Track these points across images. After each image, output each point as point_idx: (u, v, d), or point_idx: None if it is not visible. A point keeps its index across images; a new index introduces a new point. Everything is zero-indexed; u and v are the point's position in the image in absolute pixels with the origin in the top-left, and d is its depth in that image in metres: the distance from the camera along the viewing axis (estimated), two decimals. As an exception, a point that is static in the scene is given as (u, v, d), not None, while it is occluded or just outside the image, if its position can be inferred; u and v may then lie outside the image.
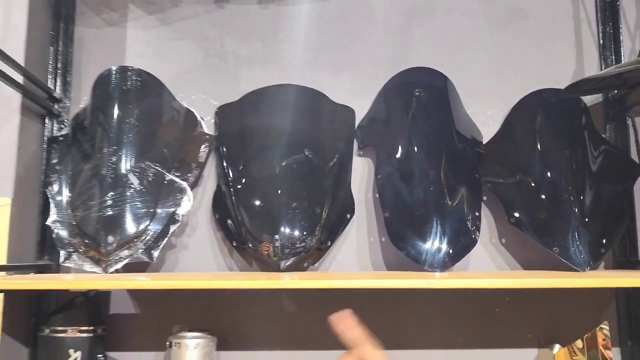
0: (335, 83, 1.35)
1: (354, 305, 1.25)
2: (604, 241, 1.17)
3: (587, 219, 1.17)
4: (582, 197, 1.20)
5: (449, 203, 1.18)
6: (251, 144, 1.26)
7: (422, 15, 1.38)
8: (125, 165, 1.17)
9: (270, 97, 1.31)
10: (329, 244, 1.20)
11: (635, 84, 1.28)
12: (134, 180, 1.17)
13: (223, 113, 1.31)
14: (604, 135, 1.31)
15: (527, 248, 1.26)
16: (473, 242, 1.16)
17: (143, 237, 1.14)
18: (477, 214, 1.19)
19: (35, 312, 1.19)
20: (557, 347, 1.22)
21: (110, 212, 1.13)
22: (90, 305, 1.17)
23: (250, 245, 1.16)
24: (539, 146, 1.26)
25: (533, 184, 1.22)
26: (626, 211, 1.24)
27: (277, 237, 1.14)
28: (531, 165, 1.25)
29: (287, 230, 1.15)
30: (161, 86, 1.28)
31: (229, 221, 1.22)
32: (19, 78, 1.12)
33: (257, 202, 1.19)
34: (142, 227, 1.14)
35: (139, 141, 1.21)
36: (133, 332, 1.25)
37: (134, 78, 1.25)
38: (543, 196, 1.21)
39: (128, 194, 1.15)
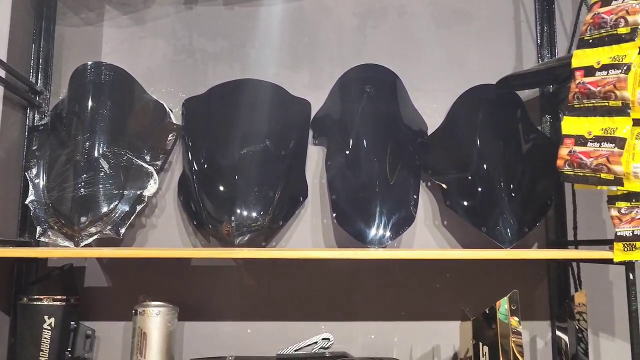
0: (294, 78, 1.47)
1: (307, 280, 1.39)
2: (528, 222, 1.29)
3: (514, 203, 1.29)
4: (511, 184, 1.31)
5: (390, 187, 1.29)
6: (215, 133, 1.38)
7: (376, 17, 1.50)
8: (97, 151, 1.30)
9: (234, 90, 1.43)
10: (281, 223, 1.32)
11: (565, 79, 1.40)
12: (104, 164, 1.29)
13: (190, 105, 1.44)
14: (539, 127, 1.43)
15: (466, 230, 1.37)
16: (410, 221, 1.27)
17: (112, 216, 1.26)
18: (415, 196, 1.31)
19: (16, 283, 1.32)
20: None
21: (82, 193, 1.25)
22: (65, 278, 1.30)
23: (210, 225, 1.28)
24: (477, 137, 1.38)
25: (469, 172, 1.34)
26: (552, 196, 1.35)
27: (233, 217, 1.26)
28: (468, 154, 1.36)
29: (243, 211, 1.27)
30: (132, 80, 1.40)
31: (192, 203, 1.34)
32: (1, 72, 1.24)
33: (217, 187, 1.31)
34: (111, 206, 1.26)
35: (111, 129, 1.33)
36: (105, 303, 1.37)
37: (108, 73, 1.37)
38: (476, 182, 1.32)
39: (99, 176, 1.28)
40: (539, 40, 1.47)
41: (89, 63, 1.38)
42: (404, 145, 1.36)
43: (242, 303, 1.39)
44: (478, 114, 1.41)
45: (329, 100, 1.44)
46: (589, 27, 1.08)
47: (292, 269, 1.40)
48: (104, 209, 1.26)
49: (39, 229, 1.27)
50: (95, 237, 1.25)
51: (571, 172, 1.08)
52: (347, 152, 1.34)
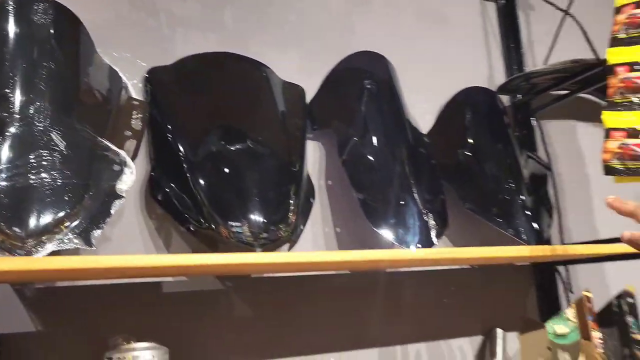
0: (281, 59, 1.22)
1: (309, 305, 1.13)
2: (543, 225, 1.26)
3: (526, 204, 1.26)
4: (518, 187, 1.28)
5: (416, 186, 1.14)
6: (199, 117, 1.06)
7: (366, 9, 1.36)
8: (44, 119, 0.86)
9: (215, 65, 1.13)
10: (302, 228, 1.06)
11: (541, 90, 1.45)
12: (58, 140, 0.86)
13: (156, 77, 1.08)
14: (516, 134, 1.44)
15: (476, 233, 1.28)
16: (445, 223, 1.14)
17: (77, 217, 0.84)
18: (442, 196, 1.18)
19: None
20: (499, 331, 1.26)
21: (30, 182, 0.81)
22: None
23: (215, 226, 0.95)
24: (469, 139, 1.33)
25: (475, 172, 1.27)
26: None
27: (252, 217, 0.96)
28: (466, 158, 1.30)
29: (261, 216, 0.98)
30: (83, 29, 1.00)
31: (176, 202, 0.98)
32: None
33: (224, 183, 0.99)
34: (73, 204, 0.84)
35: (60, 91, 0.91)
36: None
37: (50, 12, 0.95)
38: (484, 183, 1.26)
39: (50, 158, 0.85)
40: (504, 52, 1.51)
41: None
42: (416, 142, 1.23)
43: (234, 339, 1.05)
44: (467, 116, 1.36)
45: (324, 89, 1.24)
46: (624, 27, 1.12)
47: (288, 292, 1.12)
48: (67, 207, 0.83)
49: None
50: (53, 248, 0.81)
51: (621, 165, 1.08)
52: (362, 148, 1.15)
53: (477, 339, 1.28)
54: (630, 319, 1.10)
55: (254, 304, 1.09)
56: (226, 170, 1.01)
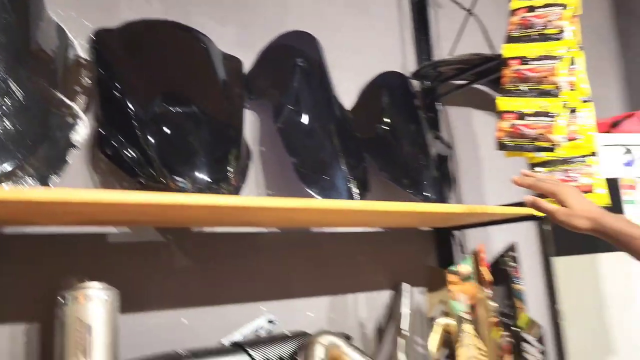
0: (220, 32, 1.30)
1: (240, 259, 1.23)
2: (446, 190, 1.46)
3: (432, 176, 1.45)
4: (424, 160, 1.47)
5: (342, 154, 1.28)
6: (145, 79, 1.11)
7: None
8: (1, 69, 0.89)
9: (161, 31, 1.19)
10: (241, 186, 1.15)
11: (446, 78, 1.65)
12: (17, 90, 0.89)
13: (102, 39, 1.12)
14: (425, 115, 1.63)
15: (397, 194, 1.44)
16: (366, 188, 1.29)
17: (36, 161, 0.88)
18: (364, 164, 1.33)
19: None
20: (406, 285, 1.44)
21: (-10, 126, 0.84)
22: None
23: (164, 180, 1.02)
24: (385, 117, 1.49)
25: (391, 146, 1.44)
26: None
27: (197, 175, 1.05)
28: (384, 133, 1.47)
29: (206, 173, 1.07)
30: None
31: (126, 157, 1.04)
32: None
33: (172, 142, 1.06)
34: (31, 150, 0.88)
35: (12, 42, 0.93)
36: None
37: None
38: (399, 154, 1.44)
39: (9, 105, 0.88)
40: (415, 42, 1.70)
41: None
42: (340, 118, 1.36)
43: (175, 288, 1.13)
44: (384, 98, 1.52)
45: (260, 62, 1.34)
46: (517, 27, 1.34)
47: (225, 246, 1.22)
48: (25, 153, 0.86)
49: None
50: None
51: (511, 142, 1.30)
52: (299, 116, 1.26)
53: (387, 292, 1.46)
54: (512, 271, 1.33)
55: (193, 256, 1.17)
56: (173, 130, 1.08)
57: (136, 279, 1.09)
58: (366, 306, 1.41)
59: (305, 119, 1.27)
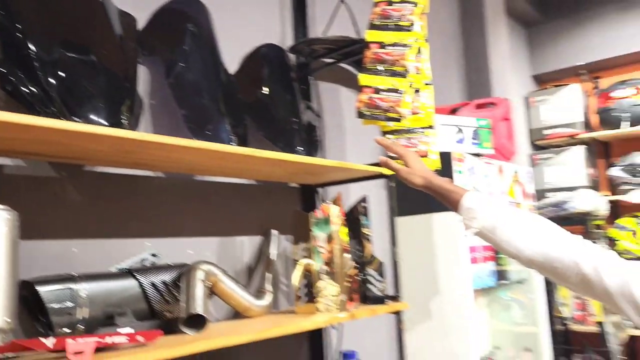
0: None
1: (132, 198, 1.36)
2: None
3: (303, 139, 1.68)
4: (295, 121, 1.69)
5: (226, 111, 1.46)
6: (47, 24, 1.19)
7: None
8: None
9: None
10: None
11: (318, 56, 1.88)
12: None
13: (2, -19, 1.17)
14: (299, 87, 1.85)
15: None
16: (245, 144, 1.48)
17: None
18: (244, 123, 1.52)
19: None
20: (274, 232, 1.66)
21: None
22: None
23: (65, 119, 1.12)
24: (264, 84, 1.69)
25: (268, 110, 1.64)
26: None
27: (94, 118, 1.16)
28: (263, 98, 1.66)
29: (103, 117, 1.18)
30: None
31: (27, 94, 1.12)
32: None
33: (71, 84, 1.16)
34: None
35: None
36: None
37: None
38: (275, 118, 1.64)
39: None
40: (293, 19, 1.91)
41: None
42: (225, 80, 1.53)
43: (65, 219, 1.23)
44: (264, 66, 1.72)
45: (153, 22, 1.45)
46: (379, 17, 1.60)
47: (114, 185, 1.34)
48: None
49: None
50: None
51: (368, 112, 1.56)
52: (189, 73, 1.41)
53: (258, 237, 1.67)
54: (362, 218, 1.61)
55: (85, 192, 1.28)
56: (73, 75, 1.17)
57: (30, 209, 1.17)
58: (239, 248, 1.61)
59: (194, 77, 1.42)
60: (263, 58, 1.73)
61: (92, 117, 1.18)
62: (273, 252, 1.62)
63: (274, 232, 1.66)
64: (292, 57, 1.86)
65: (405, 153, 1.34)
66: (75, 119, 1.15)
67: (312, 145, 1.77)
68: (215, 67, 1.52)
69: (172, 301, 1.26)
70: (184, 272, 1.27)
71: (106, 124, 1.19)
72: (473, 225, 1.17)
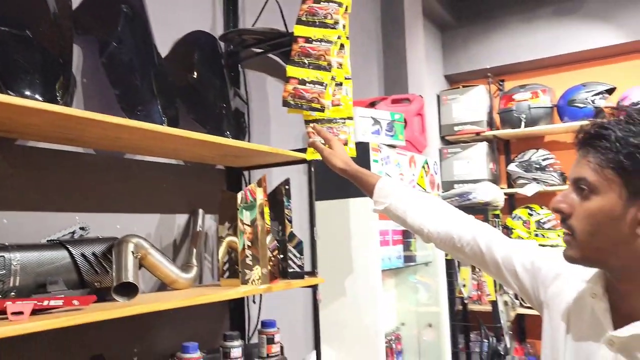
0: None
1: (62, 173, 1.40)
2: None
3: (231, 123, 1.77)
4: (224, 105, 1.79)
5: (157, 93, 1.52)
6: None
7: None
8: None
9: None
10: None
11: (247, 45, 1.98)
12: None
13: None
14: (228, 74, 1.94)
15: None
16: (177, 125, 1.55)
17: None
18: (176, 105, 1.59)
19: None
20: (200, 210, 1.75)
21: None
22: None
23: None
24: (195, 69, 1.77)
25: (199, 93, 1.73)
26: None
27: (27, 93, 1.20)
28: (193, 82, 1.74)
29: (37, 92, 1.22)
30: None
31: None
32: None
33: (7, 59, 1.19)
34: None
35: None
36: None
37: None
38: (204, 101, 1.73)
39: None
40: (225, 11, 1.99)
41: None
42: (157, 63, 1.60)
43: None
44: (195, 52, 1.79)
45: (87, 3, 1.49)
46: (306, 13, 1.73)
47: (46, 160, 1.38)
48: None
49: None
50: None
51: (293, 101, 1.69)
52: (123, 54, 1.46)
53: (184, 216, 1.75)
54: (285, 199, 1.73)
55: (16, 166, 1.31)
56: (8, 49, 1.20)
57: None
58: (166, 225, 1.69)
59: (127, 57, 1.48)
60: (194, 44, 1.81)
61: (27, 92, 1.22)
62: (199, 229, 1.71)
63: (200, 210, 1.75)
64: (222, 45, 1.94)
65: (332, 138, 1.48)
66: (11, 93, 1.19)
67: (240, 130, 1.87)
68: (148, 49, 1.57)
69: (102, 272, 1.33)
70: (115, 243, 1.34)
71: (41, 99, 1.23)
72: (385, 201, 1.33)
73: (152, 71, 1.55)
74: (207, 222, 1.81)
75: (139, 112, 1.45)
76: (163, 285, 1.56)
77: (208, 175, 1.86)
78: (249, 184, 1.92)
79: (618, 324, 0.92)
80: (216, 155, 1.70)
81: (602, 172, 0.90)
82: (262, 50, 2.04)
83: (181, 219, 1.74)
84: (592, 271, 1.00)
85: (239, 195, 1.59)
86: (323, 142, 1.49)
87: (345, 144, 1.78)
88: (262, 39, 1.95)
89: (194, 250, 1.63)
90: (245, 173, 1.96)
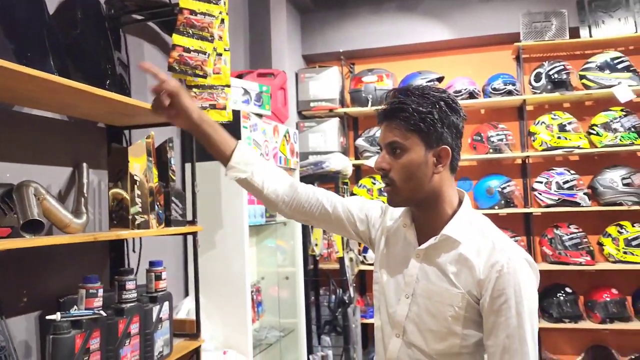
0: None
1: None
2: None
3: (115, 81, 1.90)
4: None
5: (50, 50, 1.61)
6: None
7: None
8: None
9: None
10: None
11: (128, 12, 2.09)
12: None
13: None
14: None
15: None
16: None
17: None
18: (65, 62, 1.68)
19: None
20: (84, 164, 1.86)
21: None
22: None
23: None
24: (79, 28, 1.86)
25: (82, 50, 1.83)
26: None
27: None
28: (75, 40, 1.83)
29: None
30: None
31: None
32: None
33: None
34: None
35: None
36: None
37: None
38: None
39: None
40: (107, -24, 2.07)
41: None
42: (48, 20, 1.67)
43: None
44: (77, 12, 1.88)
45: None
46: (193, -13, 1.91)
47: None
48: None
49: None
50: None
51: (177, 67, 1.87)
52: (13, 8, 1.53)
53: (69, 169, 1.85)
54: (169, 154, 1.92)
55: None
56: None
57: None
58: (53, 176, 1.78)
59: (22, 13, 1.55)
60: (77, 4, 1.88)
61: None
62: (85, 180, 1.83)
63: (85, 164, 1.86)
64: (105, 8, 2.03)
65: (180, 87, 1.33)
66: None
67: (123, 91, 1.99)
68: (39, 5, 1.64)
69: (1, 215, 1.42)
70: (16, 187, 1.44)
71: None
72: (247, 170, 1.34)
73: (44, 27, 1.63)
74: (90, 176, 1.92)
75: (34, 66, 1.53)
76: (50, 231, 1.66)
77: (91, 132, 1.96)
78: (130, 142, 2.07)
79: (421, 242, 1.28)
80: (101, 112, 1.82)
81: (407, 135, 1.21)
82: (142, 18, 2.17)
83: (66, 171, 1.84)
84: (400, 210, 1.34)
85: (129, 150, 1.75)
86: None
87: (224, 108, 2.01)
88: (145, 6, 2.08)
89: (82, 199, 1.75)
90: (126, 132, 2.09)
